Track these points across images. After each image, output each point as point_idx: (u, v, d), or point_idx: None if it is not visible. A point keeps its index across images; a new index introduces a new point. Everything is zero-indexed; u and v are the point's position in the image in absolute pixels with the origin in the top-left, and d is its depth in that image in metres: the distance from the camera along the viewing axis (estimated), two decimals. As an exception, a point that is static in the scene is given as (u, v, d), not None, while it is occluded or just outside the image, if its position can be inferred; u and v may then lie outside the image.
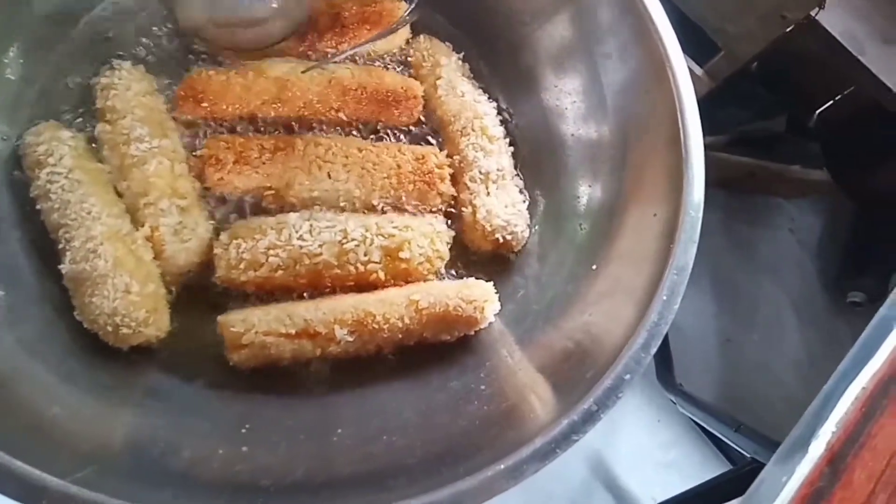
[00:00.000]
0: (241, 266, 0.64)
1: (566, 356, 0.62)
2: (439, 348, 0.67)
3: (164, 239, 0.64)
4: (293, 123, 0.72)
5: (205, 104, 0.69)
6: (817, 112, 1.05)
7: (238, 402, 0.63)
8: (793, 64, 0.97)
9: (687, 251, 0.59)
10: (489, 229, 0.70)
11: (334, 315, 0.63)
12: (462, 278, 0.70)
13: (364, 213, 0.70)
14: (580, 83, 0.76)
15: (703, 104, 0.65)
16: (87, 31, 0.73)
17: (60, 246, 0.62)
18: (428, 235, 0.68)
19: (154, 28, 0.75)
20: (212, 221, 0.67)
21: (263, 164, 0.68)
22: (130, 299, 0.60)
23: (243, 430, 0.60)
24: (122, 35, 0.74)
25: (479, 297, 0.65)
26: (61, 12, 0.72)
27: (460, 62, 0.80)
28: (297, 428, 0.62)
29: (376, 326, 0.63)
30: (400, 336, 0.64)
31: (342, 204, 0.69)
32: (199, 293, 0.66)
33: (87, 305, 0.60)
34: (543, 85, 0.79)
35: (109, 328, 0.60)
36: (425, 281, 0.68)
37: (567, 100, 0.77)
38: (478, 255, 0.73)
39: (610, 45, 0.72)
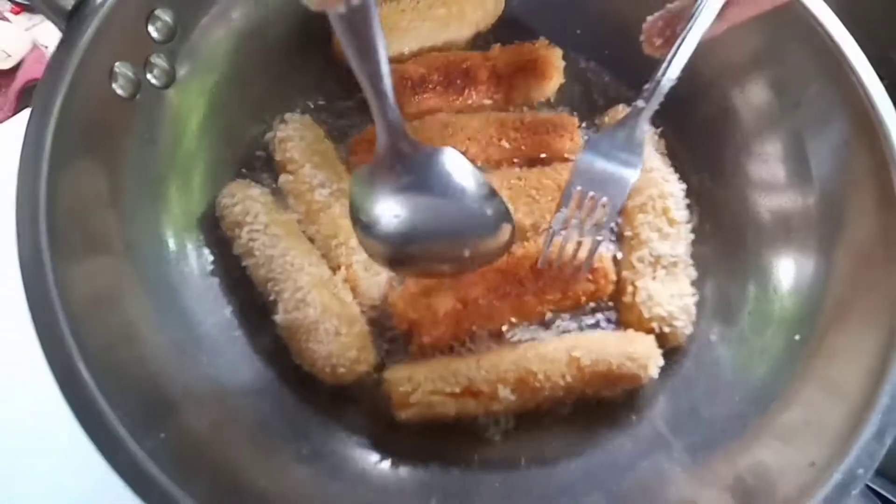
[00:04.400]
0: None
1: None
2: (621, 421, 0.66)
3: (358, 275, 0.69)
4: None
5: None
6: None
7: (420, 472, 0.65)
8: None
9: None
10: (647, 316, 0.67)
11: (497, 374, 0.64)
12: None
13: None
14: (780, 149, 0.70)
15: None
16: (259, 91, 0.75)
17: (272, 298, 0.67)
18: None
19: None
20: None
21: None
22: (342, 341, 0.65)
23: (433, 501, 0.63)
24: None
25: (643, 354, 0.65)
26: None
27: (656, 136, 0.76)
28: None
29: (538, 385, 0.64)
30: (561, 393, 0.65)
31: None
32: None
33: (304, 351, 0.66)
34: (739, 156, 0.74)
35: (328, 370, 0.65)
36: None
37: (764, 169, 0.72)
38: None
39: (811, 102, 0.67)
